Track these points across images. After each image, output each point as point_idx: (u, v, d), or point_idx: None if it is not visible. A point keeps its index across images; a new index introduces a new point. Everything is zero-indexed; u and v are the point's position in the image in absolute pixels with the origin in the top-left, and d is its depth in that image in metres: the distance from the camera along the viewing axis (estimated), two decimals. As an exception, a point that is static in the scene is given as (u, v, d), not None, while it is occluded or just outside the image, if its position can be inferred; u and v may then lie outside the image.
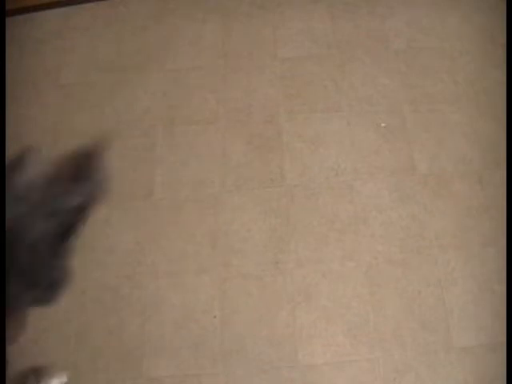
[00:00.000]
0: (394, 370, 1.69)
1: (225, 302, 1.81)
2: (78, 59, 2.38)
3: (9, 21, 2.41)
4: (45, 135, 2.15)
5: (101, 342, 1.78)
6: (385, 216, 1.92)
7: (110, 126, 2.16)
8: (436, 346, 1.70)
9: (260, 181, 2.02)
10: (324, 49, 2.31)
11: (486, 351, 1.68)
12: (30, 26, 2.53)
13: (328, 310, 1.78)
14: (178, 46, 2.38)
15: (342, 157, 2.05)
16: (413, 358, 1.69)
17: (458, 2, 2.42)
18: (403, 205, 1.94)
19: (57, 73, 2.35)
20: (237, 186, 2.01)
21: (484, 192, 1.94)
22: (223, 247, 1.90)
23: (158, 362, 1.74)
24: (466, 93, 2.16)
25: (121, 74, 2.30)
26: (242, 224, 1.94)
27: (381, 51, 2.29)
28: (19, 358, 1.71)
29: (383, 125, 2.10)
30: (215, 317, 1.79)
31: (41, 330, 1.79)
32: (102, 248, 1.92)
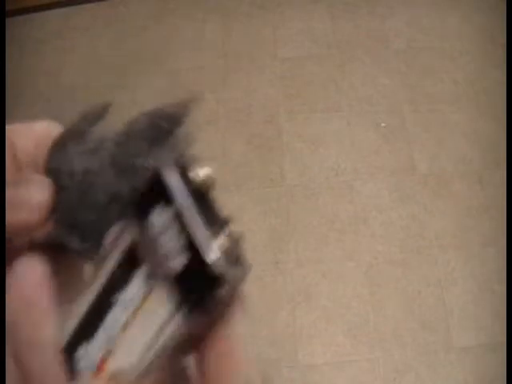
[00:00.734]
0: (394, 369, 1.69)
1: (225, 302, 1.81)
2: (78, 59, 2.39)
3: (9, 21, 2.41)
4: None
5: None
6: (385, 216, 1.92)
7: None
8: (436, 345, 1.70)
9: (260, 181, 2.02)
10: (324, 49, 2.32)
11: (485, 351, 1.68)
12: (29, 27, 2.53)
13: (328, 310, 1.78)
14: (178, 46, 2.38)
15: (341, 157, 2.05)
16: (413, 358, 1.69)
17: (458, 2, 2.42)
18: (403, 205, 1.94)
19: (57, 73, 2.35)
20: (237, 186, 2.01)
21: (484, 192, 1.94)
22: (223, 247, 1.90)
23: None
24: (466, 93, 2.16)
25: (121, 75, 2.31)
26: (241, 224, 1.93)
27: (381, 51, 2.29)
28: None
29: (383, 125, 2.10)
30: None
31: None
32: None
